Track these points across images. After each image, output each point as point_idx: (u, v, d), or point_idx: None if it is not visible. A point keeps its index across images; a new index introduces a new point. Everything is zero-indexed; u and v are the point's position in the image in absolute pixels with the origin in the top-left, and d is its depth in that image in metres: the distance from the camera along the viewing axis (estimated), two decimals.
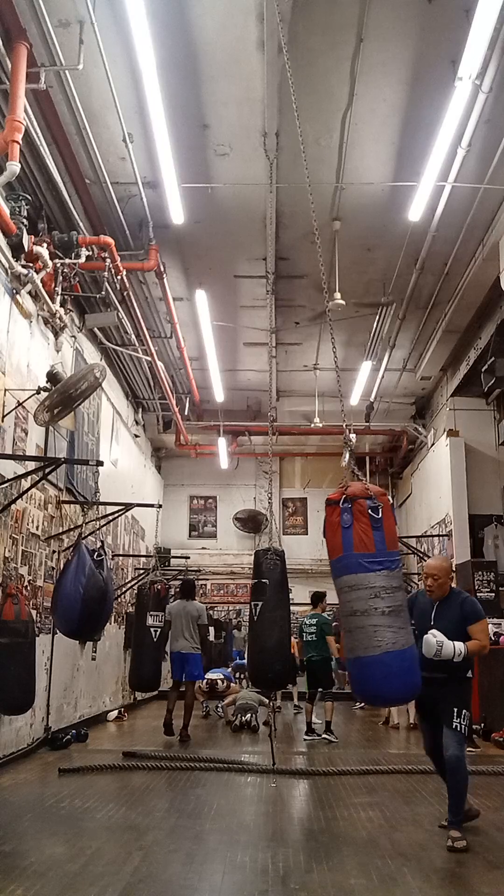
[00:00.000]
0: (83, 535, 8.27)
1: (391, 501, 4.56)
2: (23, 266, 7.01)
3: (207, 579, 17.06)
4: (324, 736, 9.01)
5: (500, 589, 10.98)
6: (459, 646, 4.55)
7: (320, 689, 9.37)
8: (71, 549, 8.17)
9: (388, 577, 4.16)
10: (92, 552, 7.99)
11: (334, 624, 10.31)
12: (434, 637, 4.54)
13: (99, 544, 8.61)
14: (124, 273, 8.56)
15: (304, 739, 9.01)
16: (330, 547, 4.38)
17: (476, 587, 10.97)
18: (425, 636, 4.57)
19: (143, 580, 11.63)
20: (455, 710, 4.59)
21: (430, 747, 4.95)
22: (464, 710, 4.61)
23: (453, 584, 5.04)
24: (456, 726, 4.58)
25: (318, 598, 9.74)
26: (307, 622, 9.53)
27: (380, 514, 4.24)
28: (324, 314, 10.94)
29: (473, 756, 8.10)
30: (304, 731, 9.25)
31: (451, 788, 4.63)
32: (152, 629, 10.46)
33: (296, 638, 9.50)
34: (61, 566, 8.52)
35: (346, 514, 4.29)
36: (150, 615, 10.50)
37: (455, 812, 4.57)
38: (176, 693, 9.48)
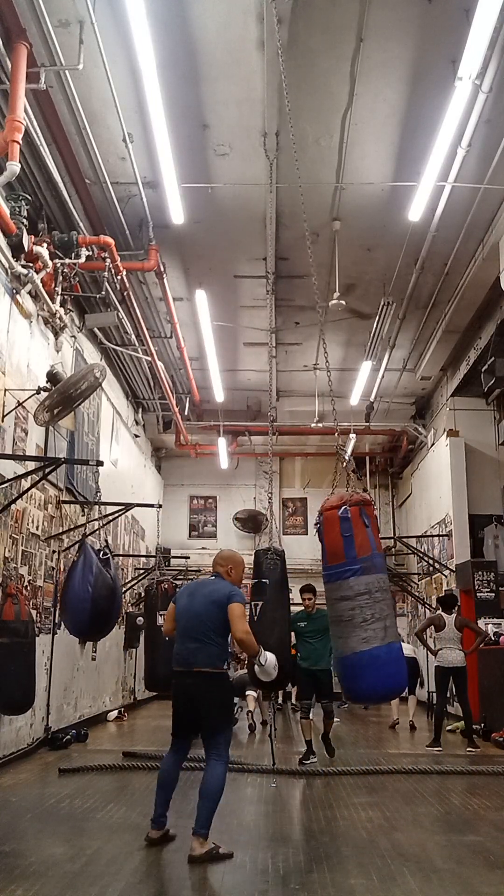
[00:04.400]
0: (87, 535, 8.28)
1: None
2: (23, 266, 7.01)
3: None
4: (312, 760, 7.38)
5: (500, 589, 10.98)
6: None
7: (323, 701, 7.79)
8: (76, 549, 8.19)
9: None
10: (97, 551, 8.00)
11: None
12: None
13: (104, 543, 8.61)
14: (124, 273, 8.56)
15: (303, 763, 7.22)
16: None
17: (476, 587, 10.98)
18: None
19: (146, 579, 11.66)
20: None
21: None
22: None
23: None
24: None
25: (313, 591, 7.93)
26: (302, 622, 7.81)
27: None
28: (324, 312, 10.94)
29: (473, 756, 8.12)
30: (302, 755, 7.40)
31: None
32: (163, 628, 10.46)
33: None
34: (62, 566, 8.54)
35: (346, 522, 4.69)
36: (160, 615, 10.53)
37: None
38: None
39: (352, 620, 4.58)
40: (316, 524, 4.99)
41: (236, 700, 10.96)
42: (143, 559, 14.08)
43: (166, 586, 10.72)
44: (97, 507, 9.74)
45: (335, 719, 11.38)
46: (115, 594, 8.00)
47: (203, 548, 17.52)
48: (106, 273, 8.16)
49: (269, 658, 4.61)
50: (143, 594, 11.90)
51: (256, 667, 4.63)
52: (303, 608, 7.88)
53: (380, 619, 4.51)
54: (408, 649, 10.88)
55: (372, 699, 5.11)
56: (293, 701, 12.31)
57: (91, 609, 7.56)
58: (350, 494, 4.87)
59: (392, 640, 4.57)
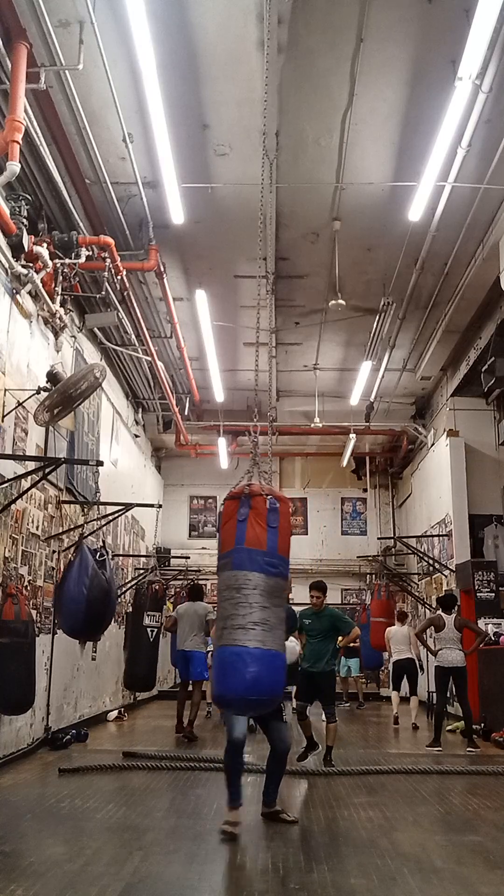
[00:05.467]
0: (84, 535, 8.28)
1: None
2: (23, 266, 7.01)
3: (207, 579, 17.04)
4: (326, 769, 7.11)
5: (500, 589, 10.98)
6: None
7: (323, 706, 7.43)
8: (73, 549, 8.20)
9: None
10: (94, 552, 8.01)
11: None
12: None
13: (100, 544, 8.62)
14: (124, 273, 8.56)
15: (300, 760, 7.31)
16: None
17: (476, 587, 10.98)
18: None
19: (143, 580, 11.67)
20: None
21: (244, 735, 5.05)
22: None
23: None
24: (285, 719, 5.11)
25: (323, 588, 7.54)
26: (307, 619, 7.46)
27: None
28: (323, 313, 10.95)
29: (473, 756, 8.12)
30: (299, 754, 7.37)
31: (279, 775, 5.13)
32: (149, 629, 10.51)
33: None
34: (62, 566, 8.55)
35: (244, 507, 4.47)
36: (147, 615, 10.56)
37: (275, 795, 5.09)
38: (184, 694, 9.53)
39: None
40: None
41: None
42: (143, 559, 14.09)
43: (157, 587, 10.74)
44: (97, 507, 9.74)
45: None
46: (109, 596, 8.03)
47: (203, 548, 17.52)
48: (106, 273, 8.16)
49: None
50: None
51: None
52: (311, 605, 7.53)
53: (221, 618, 4.35)
54: (404, 651, 10.86)
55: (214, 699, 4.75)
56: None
57: (85, 610, 7.58)
58: (236, 487, 4.68)
59: (228, 644, 4.24)
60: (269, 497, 4.53)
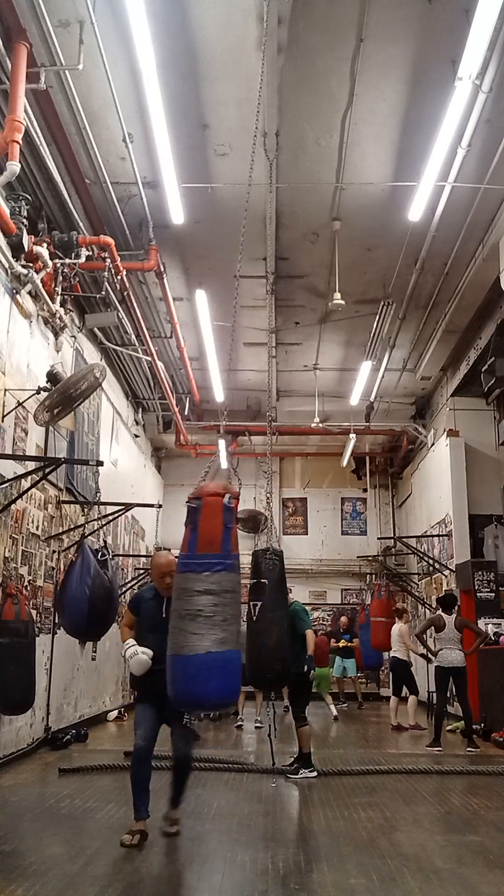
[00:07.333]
0: (85, 535, 8.28)
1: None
2: (23, 266, 7.02)
3: None
4: (302, 775, 6.67)
5: (500, 589, 10.98)
6: None
7: (286, 708, 6.95)
8: (74, 549, 8.19)
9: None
10: (95, 552, 8.01)
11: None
12: None
13: (102, 544, 8.62)
14: (124, 273, 8.56)
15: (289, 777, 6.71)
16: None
17: (476, 587, 10.98)
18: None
19: (143, 580, 11.66)
20: None
21: (150, 741, 4.84)
22: None
23: None
24: (186, 722, 4.85)
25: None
26: None
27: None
28: (323, 313, 10.96)
29: (473, 756, 8.12)
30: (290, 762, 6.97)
31: (182, 782, 4.93)
32: None
33: None
34: (62, 566, 8.55)
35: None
36: None
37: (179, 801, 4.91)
38: None
39: (212, 617, 4.24)
40: (190, 505, 4.53)
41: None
42: (143, 559, 14.08)
43: None
44: (97, 507, 9.75)
45: (334, 714, 11.33)
46: (111, 595, 8.02)
47: None
48: (106, 273, 8.16)
49: (128, 653, 4.74)
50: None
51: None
52: None
53: (233, 622, 4.26)
54: (396, 651, 10.79)
55: (212, 705, 4.65)
56: (285, 702, 12.14)
57: (88, 610, 7.58)
58: (226, 487, 4.49)
59: (238, 648, 4.24)
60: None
